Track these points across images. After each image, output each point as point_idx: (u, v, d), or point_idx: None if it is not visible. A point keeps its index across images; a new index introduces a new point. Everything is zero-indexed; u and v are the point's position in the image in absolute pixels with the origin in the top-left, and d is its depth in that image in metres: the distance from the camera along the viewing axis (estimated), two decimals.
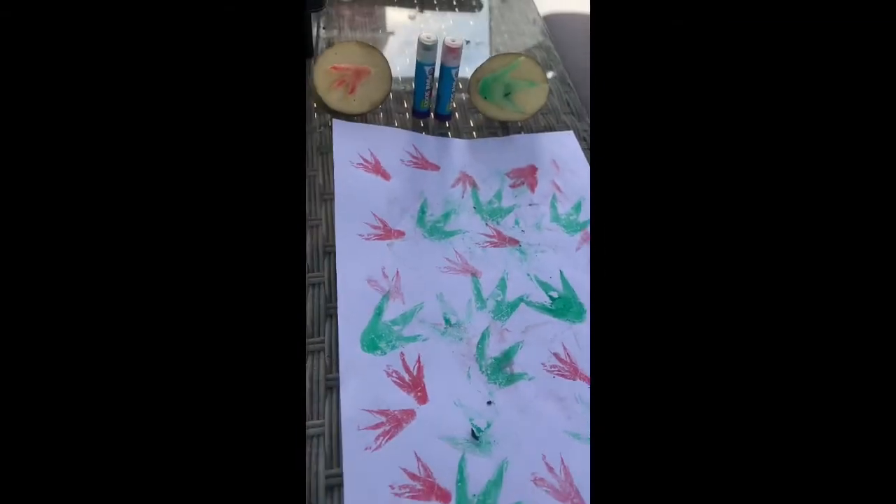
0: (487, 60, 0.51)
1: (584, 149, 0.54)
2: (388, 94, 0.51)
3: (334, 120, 0.48)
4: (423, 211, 0.45)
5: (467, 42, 0.65)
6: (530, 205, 0.48)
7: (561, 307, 0.41)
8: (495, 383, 0.37)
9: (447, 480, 0.32)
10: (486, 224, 0.46)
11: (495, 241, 0.45)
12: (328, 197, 0.46)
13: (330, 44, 0.61)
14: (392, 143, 0.49)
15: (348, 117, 0.51)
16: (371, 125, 0.50)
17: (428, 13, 0.69)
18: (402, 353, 0.37)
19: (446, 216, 0.46)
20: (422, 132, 0.52)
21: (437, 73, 0.50)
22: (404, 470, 0.32)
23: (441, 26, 0.68)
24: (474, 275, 0.42)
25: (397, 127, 0.51)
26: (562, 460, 0.34)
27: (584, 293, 0.42)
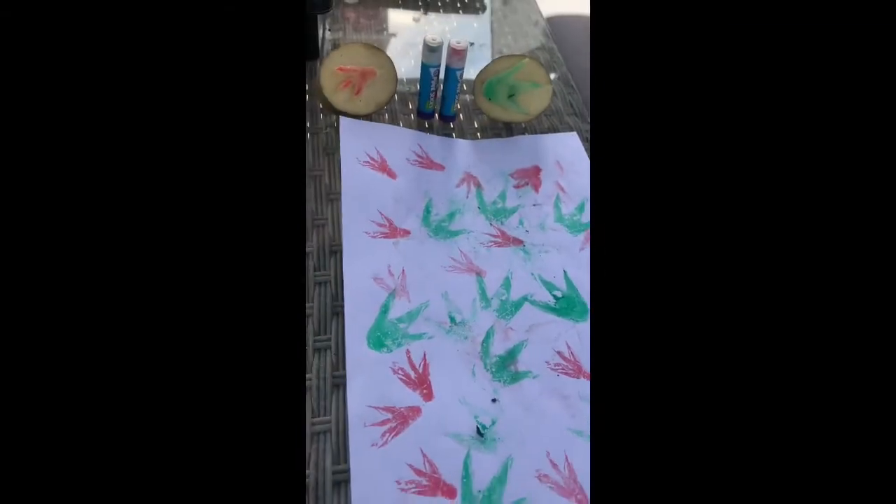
0: (492, 62, 0.51)
1: (587, 150, 0.54)
2: (393, 95, 0.51)
3: (341, 118, 0.49)
4: (428, 210, 0.46)
5: (471, 44, 0.65)
6: (534, 205, 0.48)
7: (564, 306, 0.42)
8: (500, 381, 0.37)
9: (453, 476, 0.32)
10: (491, 224, 0.46)
11: (499, 241, 0.45)
12: (334, 197, 0.46)
13: (335, 45, 0.62)
14: (398, 142, 0.50)
15: (354, 118, 0.51)
16: (377, 123, 0.51)
17: (432, 15, 0.70)
18: (407, 351, 0.37)
19: (451, 216, 0.46)
20: (426, 133, 0.52)
21: (442, 75, 0.51)
22: (410, 466, 0.32)
23: (445, 28, 0.68)
24: (479, 274, 0.43)
25: (402, 127, 0.52)
26: (566, 457, 0.34)
27: (587, 292, 0.43)
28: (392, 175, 0.47)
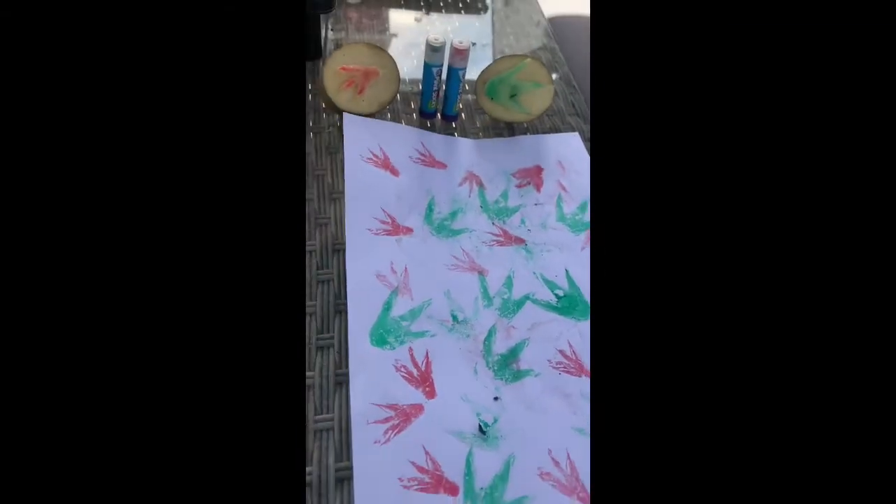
0: (494, 62, 0.51)
1: (589, 149, 0.54)
2: (396, 95, 0.52)
3: (345, 114, 0.49)
4: (430, 208, 0.46)
5: (473, 44, 0.66)
6: (536, 204, 0.48)
7: (566, 305, 0.42)
8: (502, 379, 0.37)
9: (455, 474, 0.32)
10: (493, 223, 0.46)
11: (501, 240, 0.45)
12: (337, 196, 0.46)
13: (338, 45, 0.62)
14: (401, 139, 0.50)
15: None
16: (380, 121, 0.51)
17: (434, 15, 0.70)
18: (410, 348, 0.37)
19: (453, 214, 0.46)
20: (429, 131, 0.53)
21: (444, 75, 0.51)
22: (413, 463, 0.32)
23: (447, 28, 0.68)
24: (481, 273, 0.43)
25: (405, 125, 0.52)
26: (567, 455, 0.34)
27: (589, 291, 0.43)
28: (395, 172, 0.47)
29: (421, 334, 0.38)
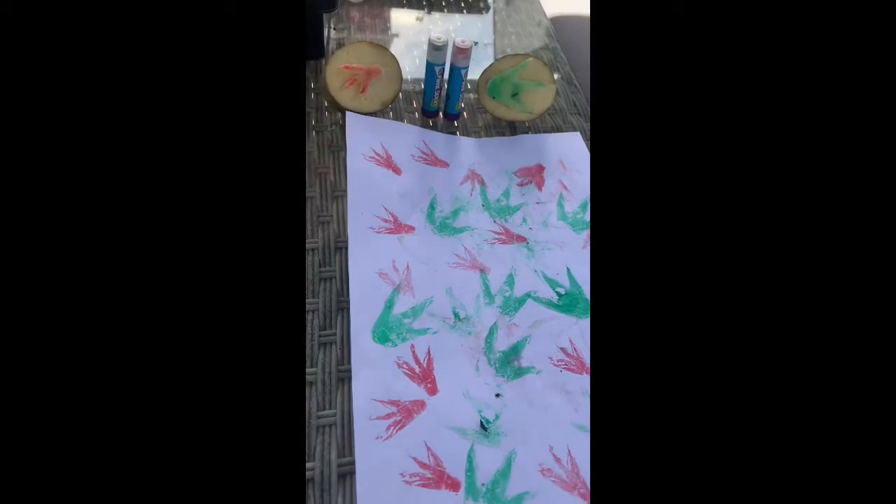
0: (496, 61, 0.51)
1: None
2: (398, 94, 0.52)
3: (347, 113, 0.49)
4: (432, 207, 0.46)
5: (475, 43, 0.66)
6: (538, 203, 0.49)
7: (567, 303, 0.42)
8: (503, 376, 0.37)
9: (457, 470, 0.33)
10: (495, 221, 0.47)
11: (503, 238, 0.46)
12: (339, 193, 0.46)
13: (340, 44, 0.62)
14: (403, 138, 0.50)
15: None
16: (383, 119, 0.51)
17: (436, 14, 0.70)
18: (412, 346, 0.37)
19: (455, 213, 0.46)
20: (431, 130, 0.53)
21: (446, 73, 0.51)
22: (415, 459, 0.32)
23: (449, 27, 0.69)
24: (483, 271, 0.43)
25: (407, 124, 0.52)
26: (569, 451, 0.34)
27: (590, 290, 0.43)
28: (397, 171, 0.47)
29: (423, 331, 0.38)
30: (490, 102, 0.53)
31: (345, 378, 0.36)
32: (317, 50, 0.58)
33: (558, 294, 0.42)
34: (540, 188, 0.50)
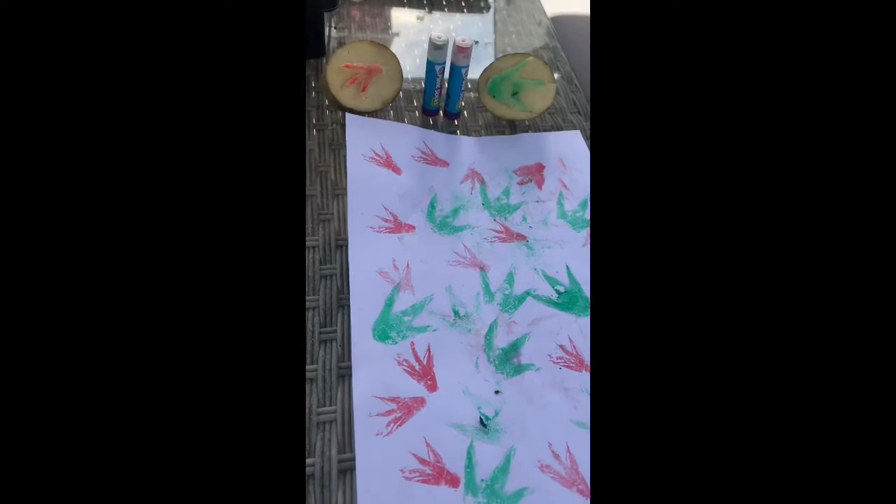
0: (496, 60, 0.52)
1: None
2: (398, 93, 0.52)
3: (347, 114, 0.49)
4: (432, 206, 0.46)
5: (476, 42, 0.66)
6: (537, 202, 0.49)
7: (567, 301, 0.42)
8: (503, 373, 0.37)
9: (456, 466, 0.33)
10: (495, 220, 0.47)
11: (503, 236, 0.46)
12: (340, 192, 0.47)
13: (341, 43, 0.63)
14: (403, 138, 0.50)
15: (360, 114, 0.52)
16: (382, 120, 0.51)
17: (436, 14, 0.70)
18: (412, 343, 0.38)
19: (455, 212, 0.47)
20: (431, 130, 0.53)
21: (447, 72, 0.51)
22: (414, 455, 0.33)
23: (449, 27, 0.69)
24: (482, 269, 0.43)
25: (407, 124, 0.52)
26: (567, 448, 0.34)
27: (589, 288, 0.43)
28: (397, 171, 0.48)
29: (423, 329, 0.39)
30: (490, 101, 0.53)
31: (345, 375, 0.36)
32: (317, 49, 0.58)
33: (558, 292, 0.43)
34: (540, 187, 0.50)
